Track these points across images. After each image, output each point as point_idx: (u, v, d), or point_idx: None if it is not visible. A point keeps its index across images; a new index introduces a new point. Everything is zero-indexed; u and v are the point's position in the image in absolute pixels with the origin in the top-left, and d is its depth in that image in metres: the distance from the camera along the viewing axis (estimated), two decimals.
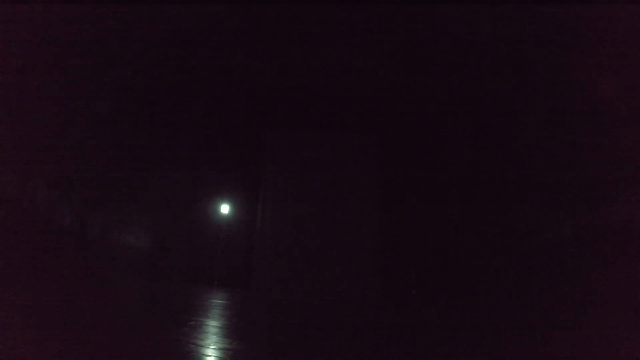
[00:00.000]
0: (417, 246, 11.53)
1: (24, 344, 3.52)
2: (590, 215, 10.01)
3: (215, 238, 12.59)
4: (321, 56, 11.23)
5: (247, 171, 13.07)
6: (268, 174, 13.14)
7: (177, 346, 3.90)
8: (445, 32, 9.94)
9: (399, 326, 6.81)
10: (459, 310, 8.89)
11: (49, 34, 8.59)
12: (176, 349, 3.78)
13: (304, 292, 11.65)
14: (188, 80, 12.06)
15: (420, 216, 11.72)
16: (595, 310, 7.70)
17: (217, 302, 8.51)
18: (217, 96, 12.64)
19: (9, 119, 7.85)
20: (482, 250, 11.07)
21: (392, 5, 9.40)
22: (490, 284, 10.39)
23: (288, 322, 6.70)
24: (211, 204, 12.92)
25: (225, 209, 12.89)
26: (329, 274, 11.92)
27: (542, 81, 10.34)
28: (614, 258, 8.68)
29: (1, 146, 7.76)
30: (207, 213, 12.85)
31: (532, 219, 10.99)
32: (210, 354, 3.69)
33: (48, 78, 9.12)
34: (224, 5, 9.72)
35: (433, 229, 11.63)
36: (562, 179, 10.17)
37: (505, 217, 11.07)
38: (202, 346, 3.90)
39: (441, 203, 11.66)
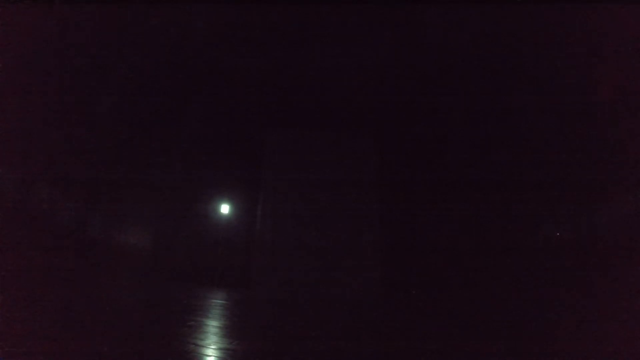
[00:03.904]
0: (418, 246, 11.53)
1: (24, 344, 3.53)
2: (590, 215, 10.03)
3: (215, 238, 12.59)
4: (321, 55, 11.23)
5: (247, 171, 13.06)
6: (268, 174, 13.14)
7: (177, 346, 3.90)
8: (446, 32, 9.94)
9: (399, 326, 6.82)
10: (459, 310, 8.90)
11: (50, 33, 8.59)
12: (176, 349, 3.79)
13: (303, 292, 11.66)
14: (188, 79, 12.06)
15: (421, 216, 11.72)
16: (595, 310, 7.70)
17: (217, 302, 8.52)
18: (217, 95, 12.63)
19: (9, 119, 7.85)
20: (482, 249, 11.07)
21: (393, 5, 9.40)
22: (491, 284, 10.39)
23: (288, 321, 6.71)
24: (211, 203, 12.91)
25: (225, 208, 12.89)
26: (329, 274, 11.92)
27: (542, 81, 10.34)
28: (614, 258, 8.68)
29: (2, 146, 7.76)
30: (207, 212, 12.85)
31: (532, 219, 11.00)
32: (210, 354, 3.70)
33: (49, 78, 9.12)
34: (225, 4, 9.72)
35: (433, 229, 11.63)
36: (562, 179, 10.18)
37: (505, 217, 11.08)
38: (202, 346, 3.91)
39: (441, 203, 11.66)
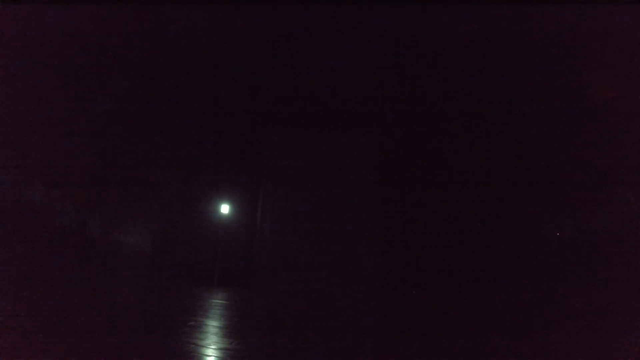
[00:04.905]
0: (417, 246, 11.53)
1: (25, 344, 3.53)
2: (590, 215, 10.01)
3: (215, 238, 12.59)
4: (321, 56, 11.24)
5: (248, 171, 13.07)
6: (268, 174, 13.15)
7: (177, 346, 3.90)
8: (444, 33, 9.94)
9: (399, 326, 6.81)
10: (459, 310, 8.89)
11: (51, 34, 8.59)
12: (176, 349, 3.79)
13: (303, 292, 11.66)
14: (189, 80, 12.07)
15: (420, 216, 11.72)
16: (595, 310, 7.70)
17: (217, 302, 8.52)
18: (218, 96, 12.65)
19: (10, 119, 7.85)
20: (482, 249, 11.07)
21: (392, 6, 9.41)
22: (491, 284, 10.39)
23: (288, 322, 6.71)
24: (211, 203, 12.92)
25: (225, 208, 12.90)
26: (329, 274, 11.92)
27: (542, 81, 10.34)
28: (613, 258, 8.67)
29: (3, 146, 7.76)
30: (207, 213, 12.86)
31: (532, 219, 10.99)
32: (210, 354, 3.69)
33: (50, 78, 9.12)
34: (226, 5, 9.73)
35: (433, 229, 11.63)
36: (562, 179, 10.17)
37: (504, 216, 11.07)
38: (202, 346, 3.91)
39: (441, 203, 11.67)
